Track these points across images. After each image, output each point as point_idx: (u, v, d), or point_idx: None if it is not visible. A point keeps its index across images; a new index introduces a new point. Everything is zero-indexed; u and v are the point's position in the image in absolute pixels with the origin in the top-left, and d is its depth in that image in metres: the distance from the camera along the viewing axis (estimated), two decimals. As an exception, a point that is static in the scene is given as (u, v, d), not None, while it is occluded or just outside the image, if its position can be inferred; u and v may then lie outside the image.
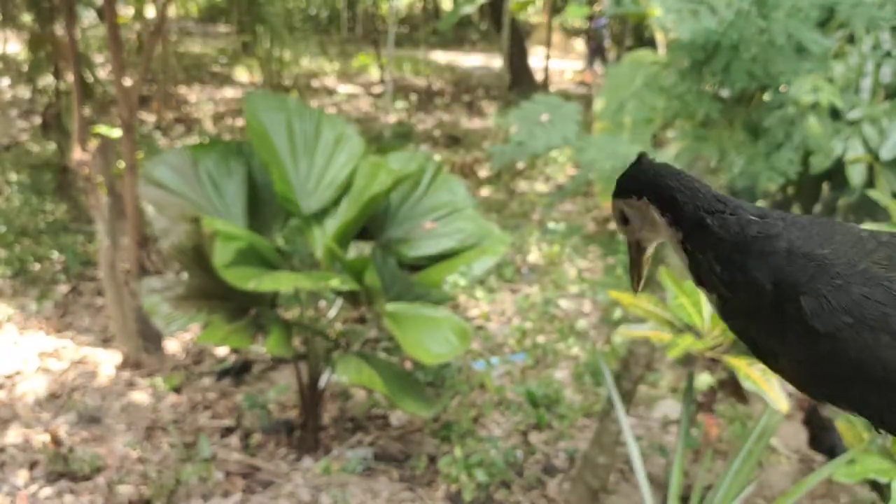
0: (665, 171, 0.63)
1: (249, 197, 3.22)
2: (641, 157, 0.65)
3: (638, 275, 0.70)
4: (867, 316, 0.49)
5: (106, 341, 4.10)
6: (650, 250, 0.67)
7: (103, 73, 8.38)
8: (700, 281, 0.61)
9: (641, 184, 0.63)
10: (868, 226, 2.11)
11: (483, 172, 7.38)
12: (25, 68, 7.23)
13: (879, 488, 2.31)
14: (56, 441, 3.19)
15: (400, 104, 9.74)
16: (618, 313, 4.18)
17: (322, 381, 3.22)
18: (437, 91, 11.65)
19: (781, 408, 2.02)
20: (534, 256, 5.46)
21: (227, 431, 3.39)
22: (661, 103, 2.63)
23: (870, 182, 2.95)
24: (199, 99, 9.98)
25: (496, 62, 13.57)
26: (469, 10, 8.41)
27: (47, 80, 5.95)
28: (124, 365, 3.83)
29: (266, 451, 3.27)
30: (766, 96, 2.66)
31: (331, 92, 10.78)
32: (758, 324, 0.56)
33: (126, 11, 8.36)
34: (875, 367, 0.49)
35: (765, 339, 0.55)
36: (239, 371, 3.85)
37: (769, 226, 0.58)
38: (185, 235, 3.00)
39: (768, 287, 0.55)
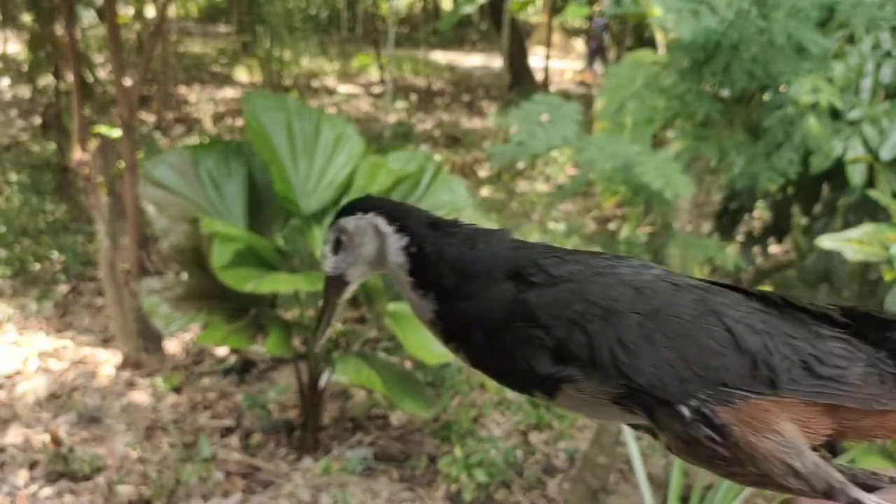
0: (387, 200, 0.65)
1: (250, 197, 3.22)
2: (368, 196, 0.67)
3: (327, 320, 0.67)
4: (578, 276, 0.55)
5: (106, 341, 4.10)
6: (352, 288, 0.65)
7: (103, 73, 8.39)
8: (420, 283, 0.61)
9: (368, 204, 0.64)
10: (866, 227, 2.09)
11: (483, 172, 7.38)
12: (25, 68, 7.24)
13: (879, 488, 2.31)
14: (56, 441, 3.19)
15: (400, 104, 9.74)
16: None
17: (322, 381, 3.22)
18: (437, 91, 11.65)
19: (781, 408, 2.02)
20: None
21: (227, 431, 3.39)
22: (661, 103, 2.64)
23: (870, 182, 2.95)
24: (199, 99, 9.98)
25: (496, 62, 13.58)
26: (469, 9, 8.42)
27: (47, 79, 5.96)
28: (124, 365, 3.83)
29: (266, 451, 3.27)
30: (766, 96, 2.66)
31: (331, 92, 10.78)
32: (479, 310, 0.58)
33: (126, 11, 8.37)
34: (606, 299, 0.53)
35: (479, 327, 0.57)
36: (241, 370, 3.85)
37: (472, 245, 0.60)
38: (184, 236, 3.01)
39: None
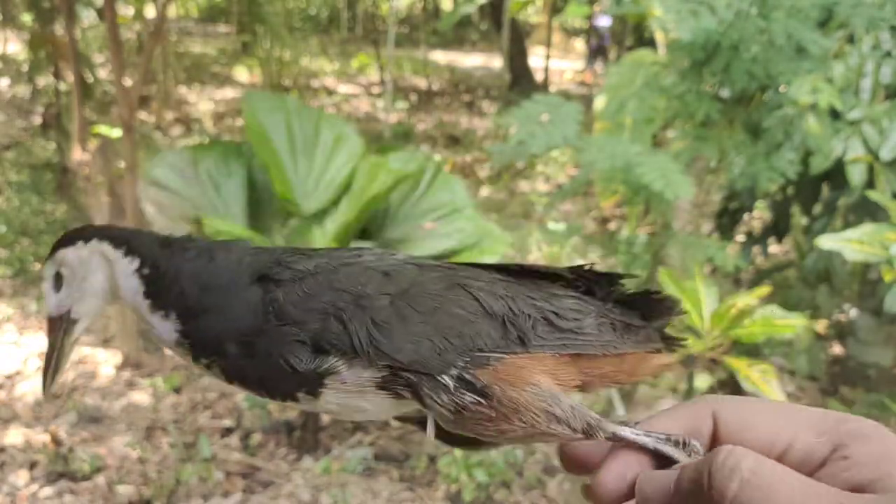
0: (108, 226, 0.62)
1: (249, 197, 3.22)
2: (88, 226, 0.64)
3: (56, 365, 0.60)
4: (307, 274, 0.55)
5: (106, 341, 4.10)
6: (82, 326, 0.60)
7: (103, 73, 8.39)
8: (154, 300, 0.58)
9: (89, 232, 0.61)
10: (866, 227, 2.09)
11: (483, 172, 7.38)
12: (25, 68, 7.24)
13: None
14: (56, 441, 3.19)
15: (400, 104, 9.74)
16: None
17: (322, 382, 3.22)
18: (437, 91, 11.65)
19: (781, 408, 2.02)
20: (534, 256, 5.46)
21: (227, 431, 3.39)
22: (661, 103, 2.64)
23: (870, 182, 2.95)
24: (199, 99, 9.98)
25: (496, 62, 13.58)
26: (469, 9, 8.42)
27: (47, 79, 5.96)
28: (124, 365, 3.84)
29: (266, 451, 3.27)
30: (766, 96, 2.66)
31: (330, 92, 10.78)
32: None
33: (126, 11, 8.37)
34: (357, 284, 0.54)
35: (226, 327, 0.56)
36: None
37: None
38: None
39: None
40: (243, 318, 0.53)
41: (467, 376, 0.50)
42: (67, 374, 3.77)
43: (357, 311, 0.51)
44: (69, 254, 0.61)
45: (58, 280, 0.61)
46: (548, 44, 12.09)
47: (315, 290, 0.52)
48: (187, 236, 0.59)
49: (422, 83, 12.15)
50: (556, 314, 0.53)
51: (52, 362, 0.60)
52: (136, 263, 0.58)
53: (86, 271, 0.60)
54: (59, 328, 0.60)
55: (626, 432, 0.50)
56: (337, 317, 0.51)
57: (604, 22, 11.44)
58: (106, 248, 0.59)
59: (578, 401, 0.53)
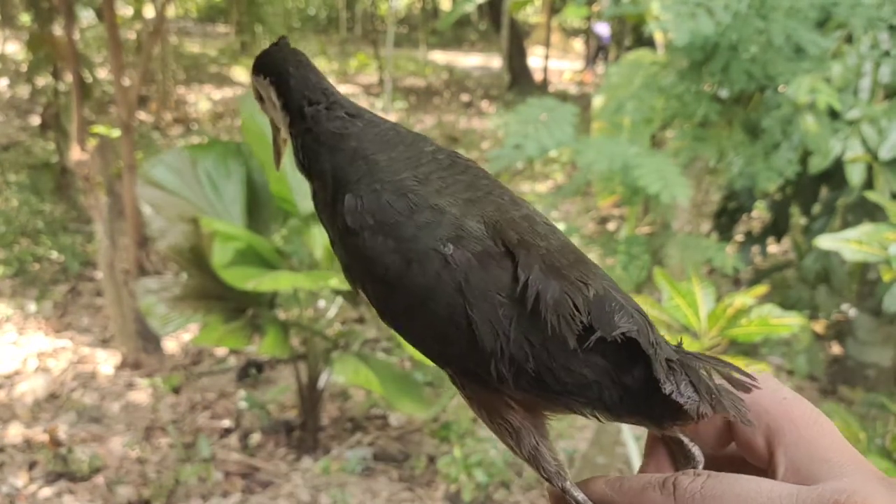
0: (293, 57, 0.64)
1: (248, 197, 3.22)
2: (281, 39, 0.66)
3: (277, 152, 0.71)
4: (385, 221, 0.53)
5: (105, 341, 4.10)
6: (284, 131, 0.66)
7: (102, 73, 8.38)
8: (300, 167, 0.63)
9: (269, 64, 0.64)
10: (865, 226, 2.10)
11: (482, 172, 7.37)
12: (24, 68, 7.23)
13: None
14: (55, 441, 3.19)
15: (399, 104, 9.75)
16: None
17: (321, 382, 3.22)
18: (436, 91, 11.65)
19: (780, 408, 2.02)
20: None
21: (227, 432, 3.39)
22: (659, 103, 2.64)
23: (869, 182, 2.95)
24: (197, 99, 9.98)
25: (495, 62, 13.58)
26: (468, 9, 8.42)
27: (46, 79, 5.95)
28: (123, 365, 3.84)
29: (265, 451, 3.27)
30: (765, 97, 2.66)
31: (330, 92, 10.75)
32: (324, 217, 0.59)
33: (125, 11, 8.36)
34: (378, 267, 0.53)
35: (328, 229, 0.58)
36: (259, 370, 3.85)
37: (349, 125, 0.62)
38: (182, 236, 3.01)
39: (330, 181, 0.58)
40: (328, 216, 0.58)
41: (457, 380, 0.52)
42: (66, 374, 3.78)
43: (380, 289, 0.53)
44: (256, 83, 0.66)
45: (258, 94, 0.66)
46: (547, 44, 12.09)
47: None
48: (315, 109, 0.62)
49: (421, 83, 12.15)
50: (551, 371, 0.48)
51: (275, 148, 0.70)
52: (287, 120, 0.63)
53: (269, 98, 0.65)
54: (273, 127, 0.68)
55: (579, 496, 0.48)
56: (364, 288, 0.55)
57: (602, 29, 11.45)
58: (272, 93, 0.64)
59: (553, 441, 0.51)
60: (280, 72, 0.63)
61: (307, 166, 0.61)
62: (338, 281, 2.79)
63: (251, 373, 3.84)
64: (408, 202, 0.54)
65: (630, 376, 0.47)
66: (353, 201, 0.55)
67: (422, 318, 0.51)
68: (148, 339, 3.83)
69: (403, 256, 0.52)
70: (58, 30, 5.56)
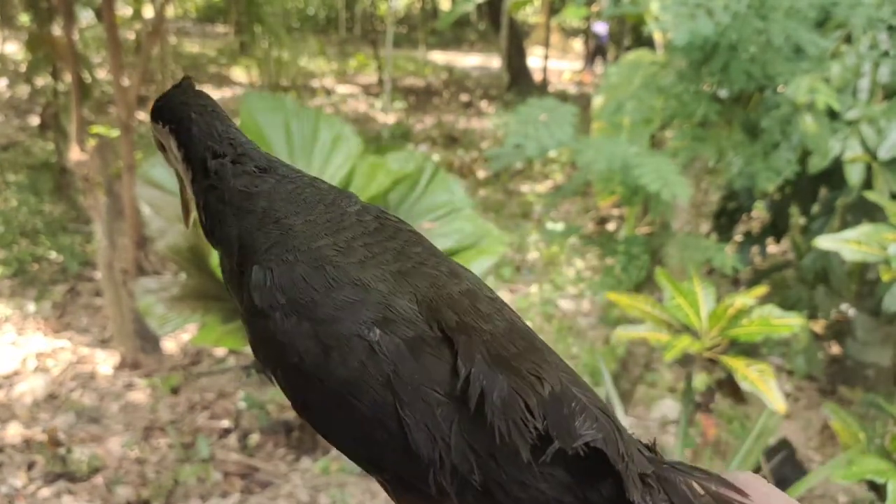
0: (195, 102, 0.56)
1: (247, 197, 3.22)
2: (184, 80, 0.58)
3: (185, 208, 0.61)
4: (299, 299, 0.45)
5: (104, 342, 4.10)
6: (188, 186, 0.57)
7: (101, 74, 8.38)
8: (203, 230, 0.54)
9: (169, 109, 0.56)
10: (864, 227, 2.10)
11: (482, 173, 7.38)
12: (23, 68, 7.23)
13: (877, 488, 2.32)
14: (54, 441, 3.19)
15: (398, 104, 9.74)
16: (616, 313, 4.19)
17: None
18: (436, 91, 11.65)
19: (778, 408, 2.02)
20: (532, 256, 5.46)
21: (226, 432, 3.39)
22: (659, 103, 2.64)
23: (868, 182, 2.96)
24: (197, 99, 9.95)
25: (495, 62, 13.58)
26: (468, 9, 8.43)
27: (45, 80, 5.95)
28: (122, 365, 3.83)
29: (264, 451, 3.27)
30: (765, 96, 2.66)
31: (329, 92, 10.78)
32: (231, 288, 0.51)
33: (124, 11, 8.36)
34: (291, 354, 0.44)
35: (236, 303, 0.50)
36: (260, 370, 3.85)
37: (260, 181, 0.52)
38: (181, 236, 3.00)
39: (236, 248, 0.50)
40: (235, 287, 0.51)
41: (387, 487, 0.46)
42: (65, 375, 3.77)
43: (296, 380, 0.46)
44: (155, 130, 0.59)
45: (159, 142, 0.60)
46: (546, 44, 12.09)
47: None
48: (220, 163, 0.54)
49: (420, 83, 12.15)
50: (501, 487, 0.41)
51: (183, 204, 0.62)
52: (189, 175, 0.55)
53: (169, 149, 0.58)
54: (179, 180, 0.61)
55: None
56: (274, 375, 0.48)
57: (601, 29, 11.46)
58: (172, 142, 0.57)
59: None
60: (181, 118, 0.55)
61: (210, 229, 0.53)
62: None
63: (251, 372, 3.84)
64: (326, 276, 0.45)
65: (597, 493, 0.40)
66: (261, 275, 0.46)
67: (344, 415, 0.43)
68: (147, 340, 3.83)
69: (321, 342, 0.43)
70: (57, 30, 5.56)
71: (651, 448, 0.43)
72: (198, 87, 0.58)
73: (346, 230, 0.49)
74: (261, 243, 0.48)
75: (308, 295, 0.45)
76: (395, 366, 0.42)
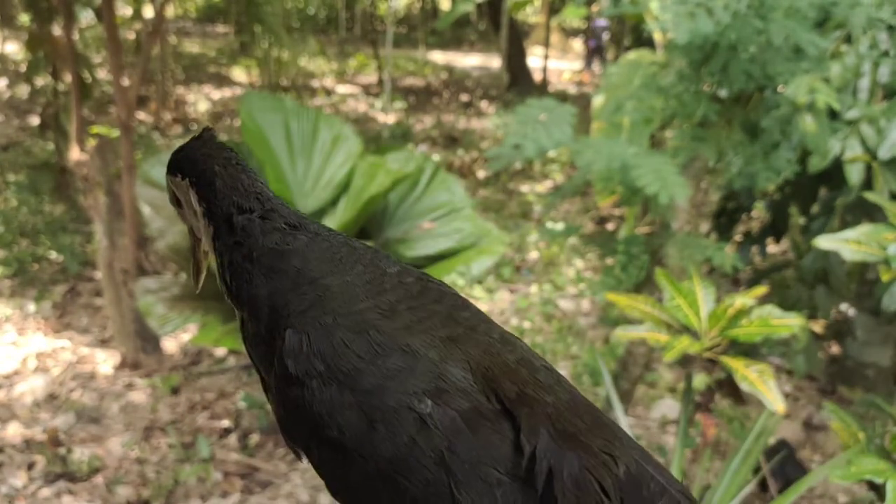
0: (218, 153, 0.53)
1: (247, 197, 3.22)
2: (205, 131, 0.55)
3: (196, 267, 0.57)
4: (340, 367, 0.40)
5: (104, 342, 4.10)
6: (206, 243, 0.53)
7: (101, 74, 8.37)
8: (224, 290, 0.49)
9: (190, 162, 0.52)
10: (864, 227, 2.10)
11: (482, 173, 7.38)
12: (23, 68, 7.22)
13: (877, 488, 2.32)
14: (54, 441, 3.19)
15: (398, 104, 9.74)
16: (616, 313, 4.18)
17: (320, 382, 3.22)
18: (436, 91, 11.64)
19: (778, 409, 2.03)
20: (532, 256, 5.46)
21: (226, 432, 3.39)
22: (658, 103, 2.63)
23: (868, 182, 2.96)
24: (196, 99, 9.97)
25: (494, 62, 13.58)
26: (467, 9, 8.42)
27: (45, 80, 5.94)
28: (122, 365, 3.83)
29: (265, 451, 3.27)
30: (765, 96, 2.66)
31: (329, 92, 10.77)
32: (256, 356, 0.47)
33: (124, 11, 8.36)
34: (330, 427, 0.39)
35: (261, 370, 0.45)
36: None
37: (291, 239, 0.47)
38: (181, 236, 3.00)
39: (265, 311, 0.46)
40: (261, 349, 0.48)
41: None
42: (65, 375, 3.77)
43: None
44: (172, 184, 0.55)
45: (174, 197, 0.57)
46: (546, 44, 12.09)
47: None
48: (248, 219, 0.50)
49: (420, 83, 12.14)
50: None
51: (195, 263, 0.59)
52: (210, 231, 0.52)
53: (188, 204, 0.54)
54: (193, 237, 0.57)
55: None
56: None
57: (601, 23, 11.46)
58: (193, 197, 0.53)
59: None
60: (203, 171, 0.52)
61: (234, 290, 0.49)
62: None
63: (251, 372, 3.84)
64: (370, 342, 0.41)
65: None
66: (296, 339, 0.42)
67: (390, 497, 0.39)
68: (147, 340, 3.83)
69: (365, 414, 0.39)
70: (57, 30, 5.56)
71: None
72: (219, 139, 0.55)
73: (388, 292, 0.45)
74: (295, 305, 0.44)
75: (350, 362, 0.40)
76: (449, 441, 0.37)
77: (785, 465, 2.92)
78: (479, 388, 0.39)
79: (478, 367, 0.40)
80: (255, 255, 0.48)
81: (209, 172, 0.51)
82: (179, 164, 0.53)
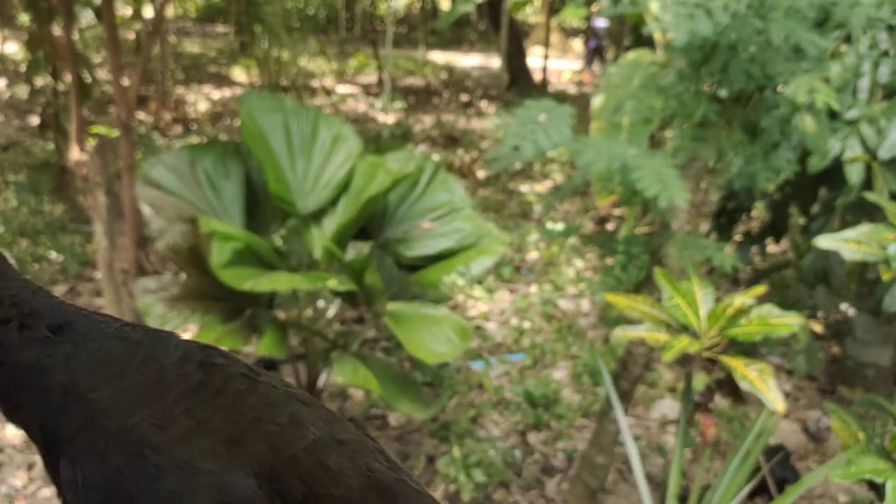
0: None
1: (247, 198, 3.22)
2: None
3: None
4: (118, 498, 0.37)
5: (104, 342, 4.10)
6: None
7: (101, 74, 8.38)
8: (4, 413, 0.45)
9: None
10: (863, 226, 2.10)
11: (481, 173, 7.38)
12: (23, 68, 7.23)
13: (877, 487, 2.32)
14: (54, 442, 3.19)
15: (398, 104, 9.74)
16: (616, 313, 4.18)
17: (320, 382, 3.22)
18: (436, 91, 11.65)
19: (778, 408, 2.03)
20: (532, 256, 5.46)
21: (226, 432, 3.39)
22: (658, 104, 2.63)
23: (868, 182, 2.96)
24: (196, 99, 9.97)
25: (494, 62, 13.58)
26: (467, 9, 8.43)
27: (45, 80, 5.94)
28: (122, 365, 3.83)
29: (264, 451, 3.27)
30: (765, 96, 2.66)
31: (329, 92, 10.77)
32: (51, 478, 0.42)
33: (124, 11, 8.36)
34: None
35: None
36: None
37: (53, 350, 0.43)
38: (181, 236, 3.00)
39: (40, 435, 0.42)
40: (56, 484, 0.43)
41: None
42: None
43: None
44: None
45: None
46: (546, 44, 12.09)
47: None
48: (5, 330, 0.45)
49: (420, 83, 12.15)
50: None
51: None
52: None
53: None
54: None
55: None
56: None
57: (601, 24, 11.46)
58: None
59: None
60: None
61: (8, 414, 0.45)
62: (336, 282, 2.79)
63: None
64: (145, 465, 0.38)
65: None
66: (71, 473, 0.39)
67: None
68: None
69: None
70: (57, 30, 5.56)
71: None
72: None
73: (165, 393, 0.42)
74: (66, 429, 0.40)
75: (128, 490, 0.38)
76: None
77: (782, 466, 2.92)
78: (264, 494, 0.38)
79: (262, 467, 0.39)
80: (17, 375, 0.43)
81: None
82: None
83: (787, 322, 2.14)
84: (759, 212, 4.37)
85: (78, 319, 0.45)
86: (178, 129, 8.52)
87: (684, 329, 2.24)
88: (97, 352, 0.43)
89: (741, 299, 2.20)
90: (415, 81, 12.31)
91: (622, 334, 2.32)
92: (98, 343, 0.43)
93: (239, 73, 11.69)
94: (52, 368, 0.42)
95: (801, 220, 3.75)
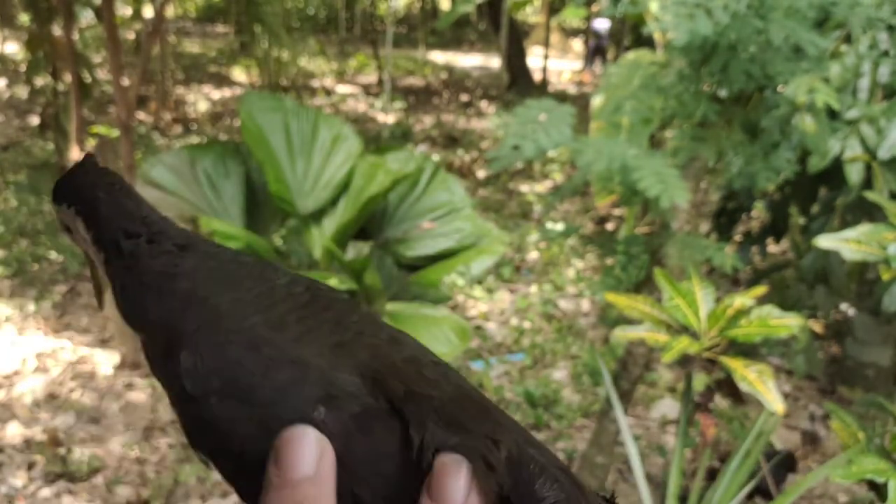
0: (102, 180, 0.52)
1: (247, 197, 3.22)
2: (87, 158, 0.55)
3: (97, 289, 0.58)
4: (235, 383, 0.42)
5: (104, 342, 4.10)
6: (101, 269, 0.53)
7: (101, 74, 8.38)
8: (122, 315, 0.50)
9: (73, 190, 0.52)
10: (863, 226, 2.10)
11: (481, 173, 7.38)
12: (23, 68, 7.23)
13: (877, 487, 2.32)
14: (54, 441, 3.19)
15: (398, 104, 9.74)
16: (616, 313, 4.18)
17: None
18: (436, 91, 11.65)
19: (777, 409, 2.03)
20: (532, 256, 5.46)
21: (226, 432, 3.39)
22: (658, 103, 2.63)
23: (868, 181, 2.96)
24: (196, 99, 9.97)
25: (494, 62, 13.59)
26: (467, 9, 8.43)
27: (45, 80, 5.95)
28: (122, 365, 3.83)
29: (264, 451, 3.27)
30: (765, 96, 2.67)
31: (329, 92, 10.77)
32: (159, 375, 0.47)
33: (124, 11, 8.37)
34: (232, 441, 0.41)
35: (166, 390, 0.46)
36: None
37: (179, 261, 0.48)
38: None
39: (160, 332, 0.46)
40: (161, 372, 0.48)
41: None
42: (65, 375, 3.77)
43: None
44: (58, 213, 0.55)
45: (64, 225, 0.56)
46: (546, 44, 12.10)
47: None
48: (134, 244, 0.50)
49: (420, 83, 12.15)
50: None
51: (95, 284, 0.59)
52: (101, 258, 0.52)
53: (76, 231, 0.54)
54: (90, 261, 0.56)
55: None
56: None
57: (601, 24, 11.47)
58: (80, 225, 0.52)
59: None
60: (87, 199, 0.51)
61: (131, 314, 0.49)
62: (336, 281, 2.79)
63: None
64: (262, 357, 0.43)
65: None
66: (191, 360, 0.43)
67: None
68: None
69: (264, 426, 0.41)
70: (57, 30, 5.56)
71: (611, 501, 0.42)
72: (102, 165, 0.53)
73: (277, 305, 0.46)
74: (187, 325, 0.45)
75: (245, 378, 0.42)
76: (344, 444, 0.40)
77: (782, 465, 2.92)
78: (367, 391, 0.41)
79: (366, 370, 0.42)
80: (144, 280, 0.48)
81: (93, 200, 0.51)
82: (63, 194, 0.53)
83: (787, 323, 2.14)
84: (759, 212, 4.38)
85: (200, 242, 0.51)
86: (178, 129, 8.53)
87: (684, 329, 2.24)
88: (217, 267, 0.48)
89: (741, 300, 2.20)
90: (415, 81, 12.31)
91: (622, 334, 2.32)
92: (217, 262, 0.49)
93: (239, 73, 11.69)
94: (178, 276, 0.47)
95: (801, 220, 3.75)
